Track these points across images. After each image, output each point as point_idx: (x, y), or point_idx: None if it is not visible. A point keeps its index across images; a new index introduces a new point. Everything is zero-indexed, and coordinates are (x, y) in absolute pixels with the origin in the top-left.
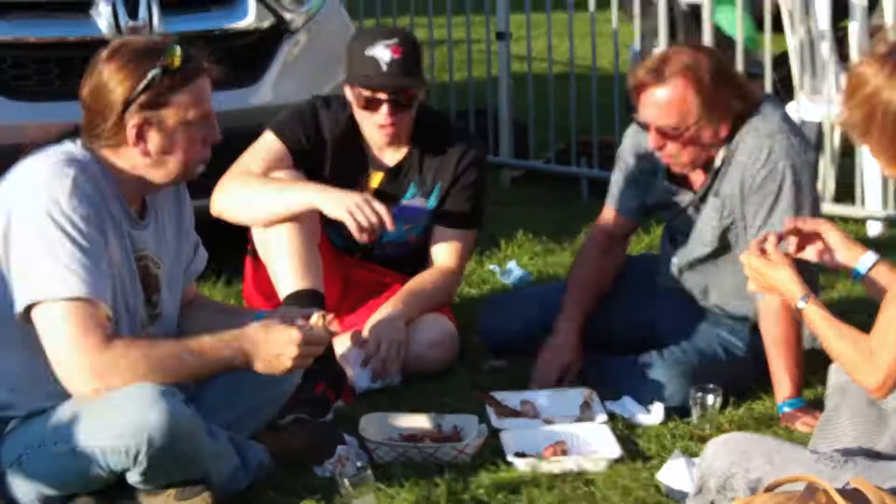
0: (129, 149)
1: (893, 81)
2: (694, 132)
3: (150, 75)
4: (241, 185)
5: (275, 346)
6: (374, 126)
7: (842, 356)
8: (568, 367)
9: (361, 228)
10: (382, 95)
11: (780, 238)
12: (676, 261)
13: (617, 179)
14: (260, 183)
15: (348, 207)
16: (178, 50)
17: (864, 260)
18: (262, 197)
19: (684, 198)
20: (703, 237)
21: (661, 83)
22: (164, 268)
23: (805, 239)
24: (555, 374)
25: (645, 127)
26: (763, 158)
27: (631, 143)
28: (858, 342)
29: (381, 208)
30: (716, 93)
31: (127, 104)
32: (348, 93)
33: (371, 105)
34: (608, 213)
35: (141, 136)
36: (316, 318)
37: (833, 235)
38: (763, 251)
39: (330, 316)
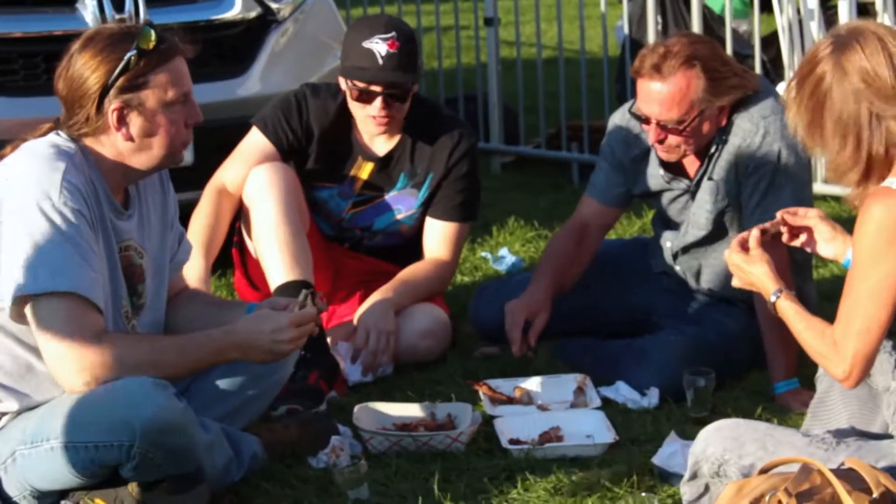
0: (112, 135)
1: (838, 68)
2: (696, 124)
3: (126, 58)
4: (198, 209)
5: (267, 334)
6: (367, 117)
7: (811, 349)
8: (535, 314)
9: None
10: (377, 88)
11: (764, 231)
12: (670, 245)
13: (602, 168)
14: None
15: None
16: (151, 32)
17: (850, 253)
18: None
19: (680, 185)
20: (697, 221)
21: (664, 78)
22: (147, 258)
23: (796, 228)
24: (521, 317)
25: (644, 120)
26: (758, 141)
27: (617, 133)
28: (825, 333)
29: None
30: (717, 84)
31: (105, 90)
32: (342, 83)
33: (364, 97)
34: (589, 202)
35: (122, 121)
36: (303, 298)
37: (822, 228)
38: (745, 248)
39: (319, 296)
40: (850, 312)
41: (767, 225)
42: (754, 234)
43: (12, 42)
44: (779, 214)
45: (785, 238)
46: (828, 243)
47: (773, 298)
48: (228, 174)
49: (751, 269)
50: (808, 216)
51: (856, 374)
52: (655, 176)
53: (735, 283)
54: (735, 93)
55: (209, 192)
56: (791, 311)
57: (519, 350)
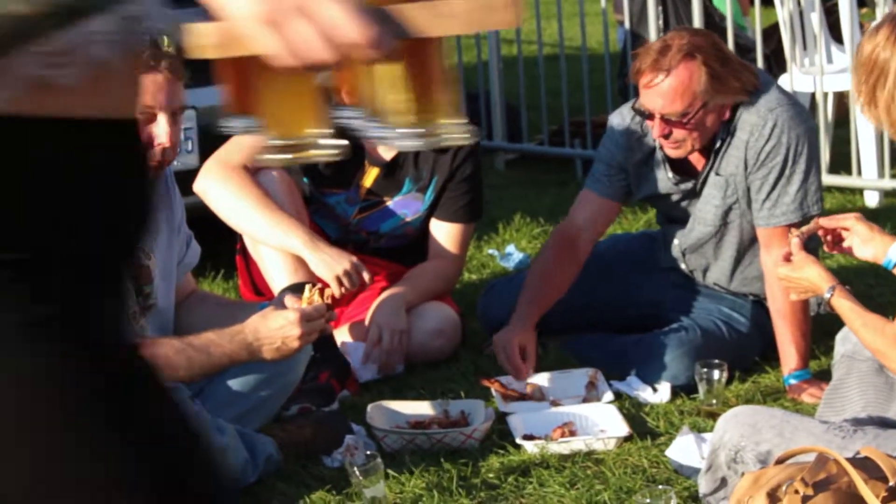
0: None
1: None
2: (700, 116)
3: None
4: (232, 188)
5: (277, 332)
6: None
7: (870, 345)
8: (523, 347)
9: (343, 289)
10: None
11: (803, 237)
12: (678, 242)
13: (601, 165)
14: (254, 199)
15: (335, 272)
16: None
17: (892, 252)
18: (249, 216)
19: (686, 186)
20: (704, 218)
21: (665, 71)
22: (155, 260)
23: (836, 234)
24: (515, 347)
25: (647, 115)
26: (766, 133)
27: (617, 137)
28: (885, 330)
29: (366, 274)
30: (719, 74)
31: None
32: None
33: None
34: (589, 197)
35: None
36: (308, 292)
37: (860, 229)
38: (788, 259)
39: (328, 291)
40: None
41: (803, 229)
42: (795, 241)
43: None
44: (814, 222)
45: (826, 247)
46: (866, 245)
47: (826, 295)
48: (235, 158)
49: (801, 275)
50: (846, 219)
51: None
52: (662, 179)
53: (792, 296)
54: (736, 89)
55: (226, 168)
56: (846, 308)
57: (525, 375)
